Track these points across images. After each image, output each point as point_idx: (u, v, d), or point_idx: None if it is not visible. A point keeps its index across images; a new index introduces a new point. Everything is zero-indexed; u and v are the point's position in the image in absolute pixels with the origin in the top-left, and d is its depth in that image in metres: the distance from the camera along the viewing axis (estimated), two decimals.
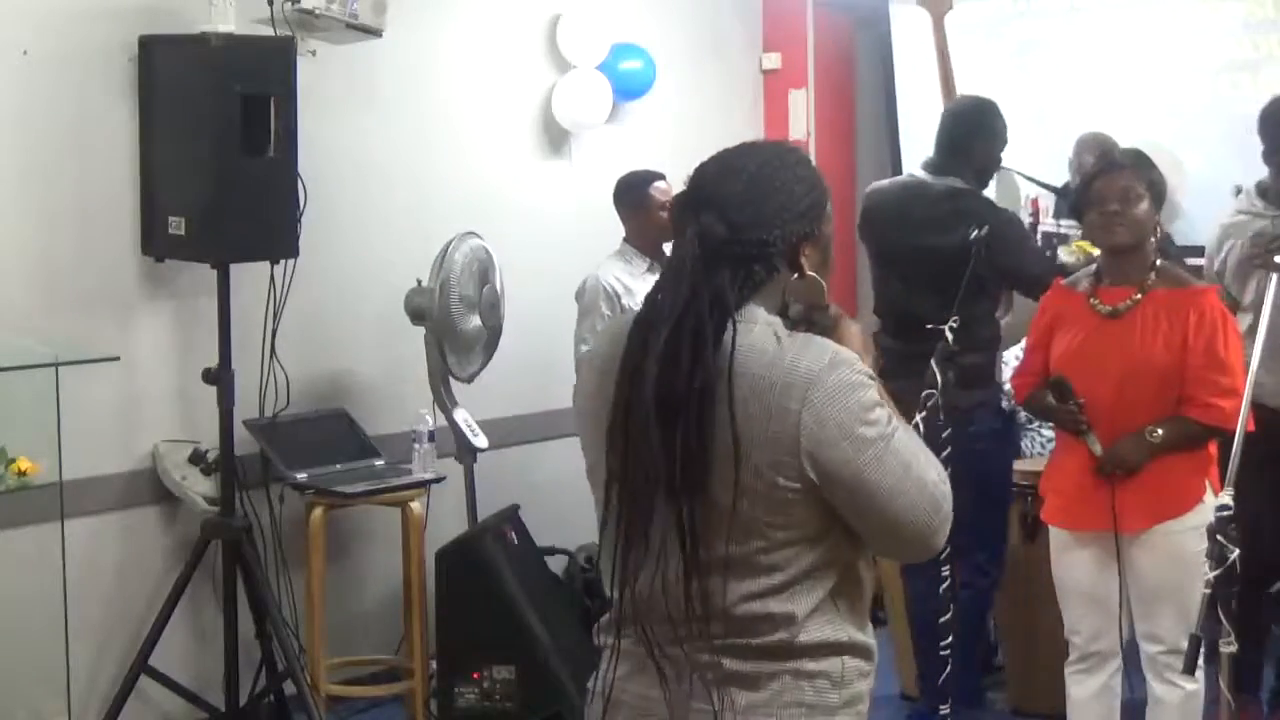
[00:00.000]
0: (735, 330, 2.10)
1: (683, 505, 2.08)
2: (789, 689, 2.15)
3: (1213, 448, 3.88)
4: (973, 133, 4.68)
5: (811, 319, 2.22)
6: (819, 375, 2.08)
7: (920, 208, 4.62)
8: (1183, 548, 3.74)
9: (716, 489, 2.09)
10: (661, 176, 5.37)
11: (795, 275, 2.20)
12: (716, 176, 2.19)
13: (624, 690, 2.21)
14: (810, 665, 2.16)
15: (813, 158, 7.22)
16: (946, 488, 2.18)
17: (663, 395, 2.08)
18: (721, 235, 2.13)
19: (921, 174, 4.74)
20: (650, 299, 2.17)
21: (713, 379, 2.08)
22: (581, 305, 5.26)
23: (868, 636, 2.23)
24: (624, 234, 5.36)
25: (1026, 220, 5.28)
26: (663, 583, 2.11)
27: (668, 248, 5.63)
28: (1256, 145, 4.65)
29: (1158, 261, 3.92)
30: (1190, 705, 3.86)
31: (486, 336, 5.04)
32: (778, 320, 2.17)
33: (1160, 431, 3.79)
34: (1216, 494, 3.71)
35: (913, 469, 2.14)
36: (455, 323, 4.90)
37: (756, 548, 2.11)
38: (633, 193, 5.34)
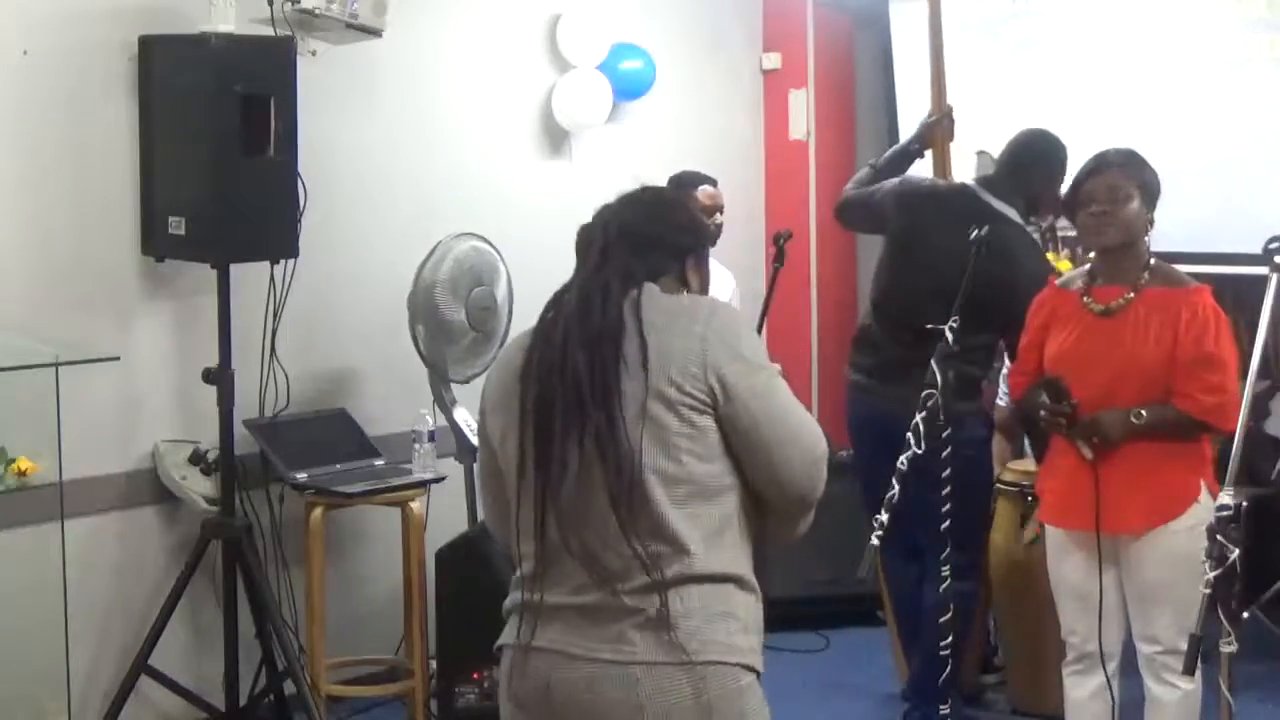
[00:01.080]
0: (640, 289, 2.49)
1: (599, 417, 2.38)
2: (704, 626, 2.37)
3: (1207, 449, 3.88)
4: (1034, 162, 4.67)
5: None
6: (717, 307, 2.52)
7: (964, 213, 4.54)
8: (1179, 548, 3.74)
9: (629, 402, 2.39)
10: (711, 181, 5.38)
11: (684, 290, 2.60)
12: (630, 193, 2.68)
13: (537, 639, 2.45)
14: (720, 595, 2.40)
15: (812, 158, 7.23)
16: (823, 440, 2.51)
17: (579, 330, 2.44)
18: (624, 219, 2.57)
19: (975, 187, 4.75)
20: (556, 292, 2.57)
21: (623, 310, 2.45)
22: None
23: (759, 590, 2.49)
24: None
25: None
26: (585, 508, 2.39)
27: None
28: (1253, 145, 4.65)
29: (1151, 260, 3.91)
30: (1188, 705, 3.86)
31: (472, 338, 5.00)
32: None
33: (1144, 413, 3.78)
34: (1213, 494, 3.73)
35: (796, 409, 2.48)
36: (433, 325, 4.90)
37: (669, 457, 2.39)
38: (681, 190, 5.35)
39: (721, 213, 5.39)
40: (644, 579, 2.37)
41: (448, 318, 4.91)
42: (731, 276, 5.56)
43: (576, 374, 2.41)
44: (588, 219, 2.68)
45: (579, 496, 2.40)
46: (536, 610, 2.46)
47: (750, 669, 2.44)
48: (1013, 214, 4.65)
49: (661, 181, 5.37)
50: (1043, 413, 3.88)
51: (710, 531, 2.41)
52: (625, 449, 2.37)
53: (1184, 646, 3.48)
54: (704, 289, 2.66)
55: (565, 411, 2.42)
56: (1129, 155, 3.93)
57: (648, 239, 2.57)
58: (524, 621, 2.48)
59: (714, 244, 5.36)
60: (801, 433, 2.47)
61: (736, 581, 2.44)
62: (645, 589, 2.37)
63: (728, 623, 2.41)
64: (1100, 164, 3.91)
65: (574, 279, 2.58)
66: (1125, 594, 3.91)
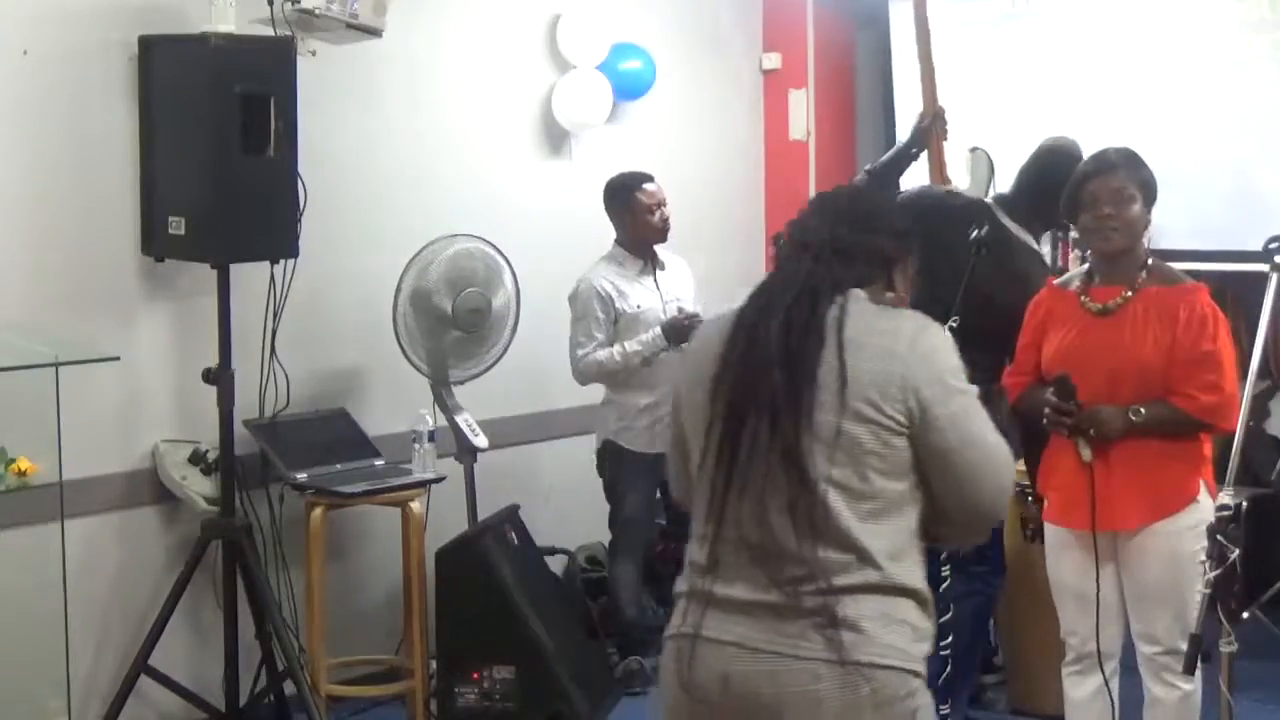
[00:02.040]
0: (846, 297, 2.53)
1: (789, 430, 2.42)
2: (883, 632, 2.42)
3: (1207, 448, 3.88)
4: (1053, 180, 4.62)
5: None
6: (923, 329, 2.52)
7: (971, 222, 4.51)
8: (1178, 548, 3.74)
9: (821, 415, 2.43)
10: (649, 178, 5.37)
11: (889, 294, 2.63)
12: (836, 194, 2.77)
13: (710, 630, 2.48)
14: (898, 606, 2.45)
15: (812, 158, 7.23)
16: (1014, 467, 2.59)
17: (781, 337, 2.47)
18: (833, 227, 2.60)
19: (994, 207, 4.73)
20: (764, 282, 2.60)
21: (825, 324, 2.48)
22: (575, 310, 5.28)
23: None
24: (614, 236, 5.37)
25: None
26: (764, 512, 2.44)
27: (659, 249, 5.65)
28: (1252, 145, 4.64)
29: (1149, 260, 3.91)
30: (1187, 705, 3.86)
31: (454, 340, 4.98)
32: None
33: (1143, 410, 3.77)
34: (1212, 494, 3.73)
35: (990, 433, 2.52)
36: (414, 325, 4.90)
37: (857, 473, 2.44)
38: (620, 195, 5.35)
39: (666, 206, 5.36)
40: (824, 584, 2.42)
41: (426, 320, 4.90)
42: (685, 263, 5.53)
43: (773, 382, 2.46)
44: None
45: (761, 501, 2.45)
46: (707, 600, 2.50)
47: (919, 675, 2.49)
48: (1030, 240, 4.64)
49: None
50: (1048, 410, 3.87)
51: (893, 544, 2.46)
52: (811, 461, 2.42)
53: (1184, 646, 3.48)
54: (909, 294, 2.69)
55: (757, 417, 2.47)
56: (1129, 155, 3.92)
57: (858, 246, 2.60)
58: (691, 610, 2.53)
59: (665, 239, 5.39)
60: (993, 458, 2.51)
61: (913, 593, 2.49)
62: (825, 592, 2.42)
63: (903, 630, 2.46)
64: (1102, 165, 3.89)
65: (780, 277, 2.60)
66: (1125, 594, 3.90)
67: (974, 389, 2.52)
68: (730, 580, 2.49)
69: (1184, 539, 3.72)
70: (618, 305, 5.25)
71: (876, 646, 2.42)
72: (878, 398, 2.43)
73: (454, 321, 4.93)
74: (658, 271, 5.38)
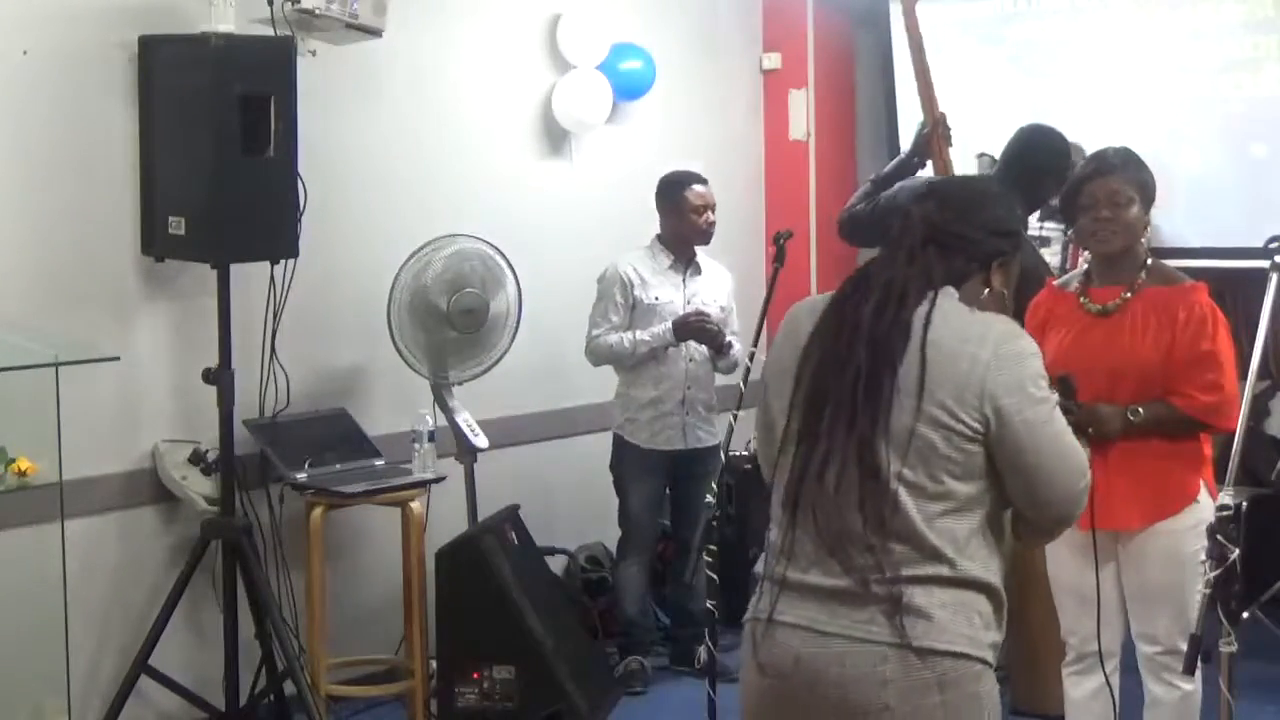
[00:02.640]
0: (936, 294, 2.53)
1: (866, 424, 2.46)
2: (953, 620, 2.47)
3: (1207, 448, 3.87)
4: (1041, 174, 4.67)
5: None
6: (1009, 336, 2.53)
7: None
8: (1178, 548, 3.74)
9: (898, 415, 2.46)
10: (702, 180, 5.42)
11: (986, 290, 2.63)
12: (946, 182, 2.74)
13: (783, 614, 2.55)
14: (969, 597, 2.49)
15: (812, 158, 7.23)
16: (1089, 469, 2.59)
17: (868, 333, 2.49)
18: (934, 220, 2.59)
19: None
20: (862, 269, 2.62)
21: (912, 320, 2.49)
22: (599, 290, 5.39)
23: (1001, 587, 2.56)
24: (658, 229, 5.41)
25: None
26: (838, 502, 2.48)
27: (702, 254, 5.67)
28: (1254, 145, 4.65)
29: (1149, 260, 3.91)
30: (1187, 705, 3.85)
31: (452, 340, 4.97)
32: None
33: (1141, 410, 3.77)
34: (1213, 494, 3.73)
35: (1066, 436, 2.55)
36: (408, 323, 4.90)
37: (929, 474, 2.47)
38: (671, 191, 5.41)
39: (713, 211, 5.41)
40: (891, 573, 2.47)
41: (416, 323, 4.90)
42: (730, 277, 5.57)
43: (855, 377, 2.49)
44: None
45: (836, 492, 2.49)
46: (781, 584, 2.57)
47: (986, 662, 2.54)
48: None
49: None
50: None
51: (962, 541, 2.50)
52: (884, 458, 2.46)
53: (1183, 646, 3.48)
54: (1008, 292, 2.69)
55: (835, 409, 2.50)
56: (1128, 157, 3.90)
57: (956, 240, 2.60)
58: (766, 593, 2.60)
59: (708, 242, 5.43)
60: (1067, 466, 2.55)
61: (983, 586, 2.53)
62: (893, 581, 2.47)
63: (971, 618, 2.51)
64: (1101, 166, 3.88)
65: (879, 265, 2.61)
66: (1125, 593, 3.90)
67: (1054, 396, 2.55)
68: (804, 567, 2.55)
69: (1184, 539, 3.72)
70: (636, 293, 5.30)
71: (945, 634, 2.47)
72: (954, 404, 2.46)
73: (448, 321, 4.93)
74: (689, 272, 5.41)
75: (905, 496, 2.47)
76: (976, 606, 2.51)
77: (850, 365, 2.49)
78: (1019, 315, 4.22)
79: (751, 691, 2.64)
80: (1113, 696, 3.95)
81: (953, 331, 2.50)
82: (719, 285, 5.49)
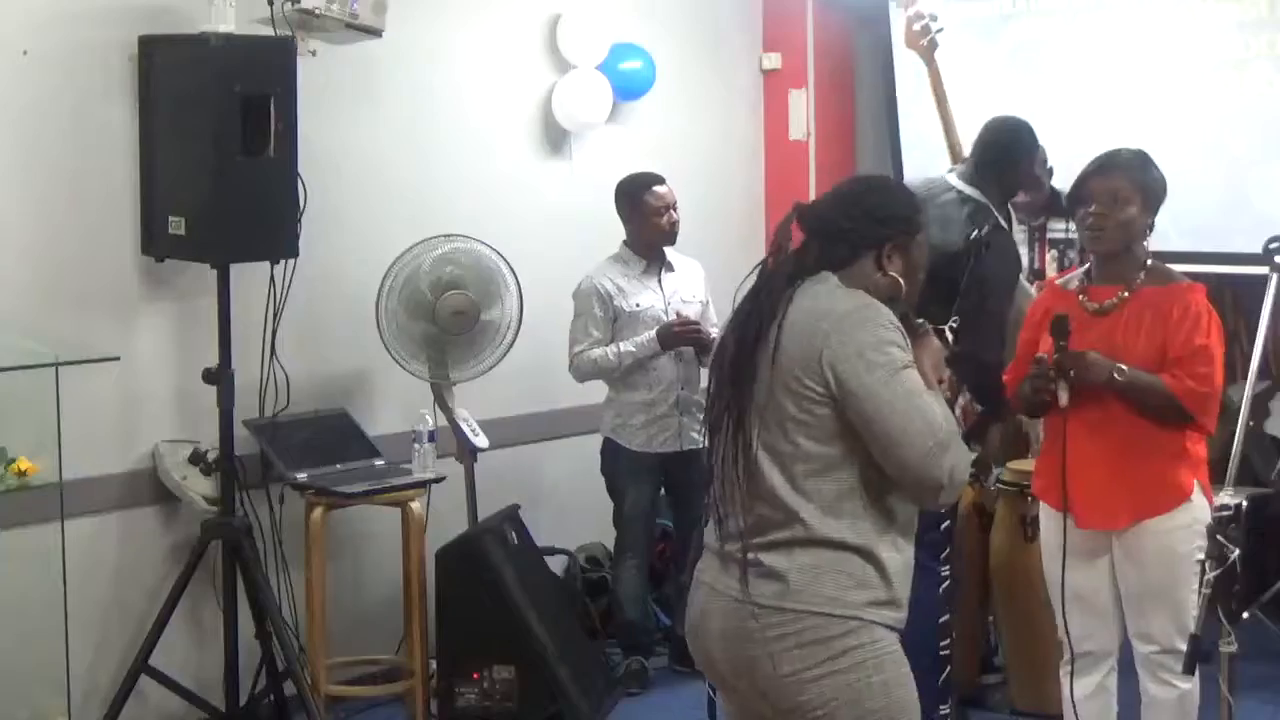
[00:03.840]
0: (803, 281, 2.77)
1: (733, 393, 2.75)
2: (812, 582, 2.67)
3: (1201, 449, 3.86)
4: (1004, 153, 4.62)
5: (904, 323, 2.76)
6: (853, 310, 2.71)
7: (935, 205, 4.51)
8: (1172, 547, 3.74)
9: (759, 389, 2.73)
10: (660, 180, 5.37)
11: (879, 273, 2.79)
12: (843, 180, 2.98)
13: (701, 573, 2.87)
14: (832, 557, 2.68)
15: (812, 158, 7.20)
16: (951, 426, 2.69)
17: (742, 319, 2.80)
18: (817, 213, 2.86)
19: (954, 179, 4.70)
20: (761, 262, 2.89)
21: (774, 306, 2.75)
22: (576, 306, 5.31)
23: (893, 552, 2.73)
24: (624, 236, 5.38)
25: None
26: (724, 475, 2.77)
27: (670, 251, 5.66)
28: (1249, 145, 4.63)
29: (1149, 261, 3.91)
30: (1185, 705, 3.86)
31: (448, 340, 4.96)
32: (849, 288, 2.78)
33: (1127, 370, 3.74)
34: (1207, 496, 3.73)
35: (915, 398, 2.66)
36: (400, 322, 4.90)
37: (786, 438, 2.69)
38: (630, 196, 5.35)
39: (675, 209, 5.36)
40: (761, 538, 2.72)
41: (405, 322, 4.91)
42: (699, 266, 5.52)
43: (726, 357, 2.81)
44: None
45: (722, 463, 2.78)
46: (705, 548, 2.88)
47: (858, 619, 2.69)
48: (980, 197, 4.58)
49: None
50: (1033, 373, 3.82)
51: (826, 502, 2.69)
52: (746, 427, 2.73)
53: (1180, 646, 3.50)
54: (909, 275, 2.84)
55: (718, 388, 2.82)
56: (1137, 157, 3.88)
57: (835, 230, 2.82)
58: (697, 555, 2.91)
59: (673, 242, 5.39)
60: (913, 427, 2.65)
61: (851, 547, 2.69)
62: (763, 547, 2.72)
63: (837, 578, 2.68)
64: (1107, 164, 3.87)
65: (777, 259, 2.86)
66: (1120, 593, 3.90)
67: (896, 360, 2.66)
68: (716, 532, 2.85)
69: (1177, 538, 3.72)
70: (616, 303, 5.26)
71: (801, 595, 2.67)
72: (800, 372, 2.68)
73: (435, 321, 4.92)
74: (663, 273, 5.39)
75: (765, 460, 2.72)
76: (842, 567, 2.68)
77: (726, 351, 2.80)
78: (977, 305, 4.24)
79: (691, 648, 2.93)
80: (1110, 696, 3.96)
81: (809, 309, 2.73)
82: (693, 279, 5.46)
